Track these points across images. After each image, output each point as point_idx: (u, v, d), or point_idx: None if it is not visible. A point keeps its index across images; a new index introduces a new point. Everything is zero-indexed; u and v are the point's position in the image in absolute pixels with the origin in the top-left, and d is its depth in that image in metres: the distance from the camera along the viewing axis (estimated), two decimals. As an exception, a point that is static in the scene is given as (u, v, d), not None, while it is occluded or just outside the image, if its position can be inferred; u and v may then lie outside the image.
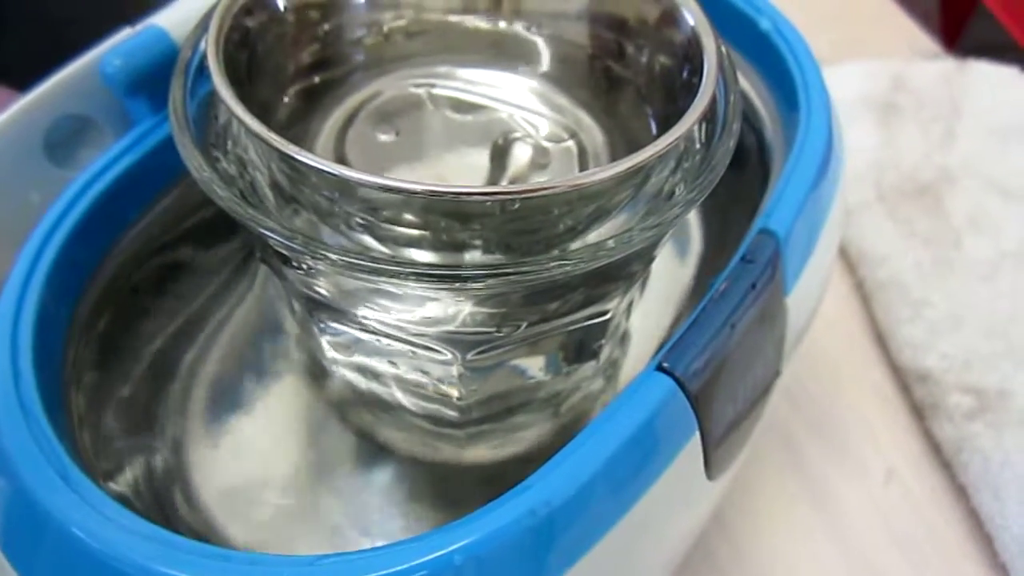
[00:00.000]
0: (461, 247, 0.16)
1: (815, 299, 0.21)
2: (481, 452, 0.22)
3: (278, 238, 0.14)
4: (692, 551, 0.27)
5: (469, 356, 0.18)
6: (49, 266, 0.18)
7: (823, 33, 0.50)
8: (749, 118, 0.24)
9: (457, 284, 0.14)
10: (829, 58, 0.43)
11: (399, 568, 0.14)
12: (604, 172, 0.15)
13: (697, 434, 0.17)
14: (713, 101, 0.18)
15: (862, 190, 0.37)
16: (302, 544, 0.18)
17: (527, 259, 0.15)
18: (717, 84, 0.18)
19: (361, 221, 0.16)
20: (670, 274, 0.25)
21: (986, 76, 0.40)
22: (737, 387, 0.18)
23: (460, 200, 0.14)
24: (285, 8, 0.19)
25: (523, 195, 0.15)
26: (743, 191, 0.24)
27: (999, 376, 0.30)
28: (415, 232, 0.16)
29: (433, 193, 0.14)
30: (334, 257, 0.14)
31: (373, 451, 0.20)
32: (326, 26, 0.19)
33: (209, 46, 0.15)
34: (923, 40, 0.48)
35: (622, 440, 0.15)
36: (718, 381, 0.17)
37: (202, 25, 0.16)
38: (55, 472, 0.14)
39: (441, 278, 0.14)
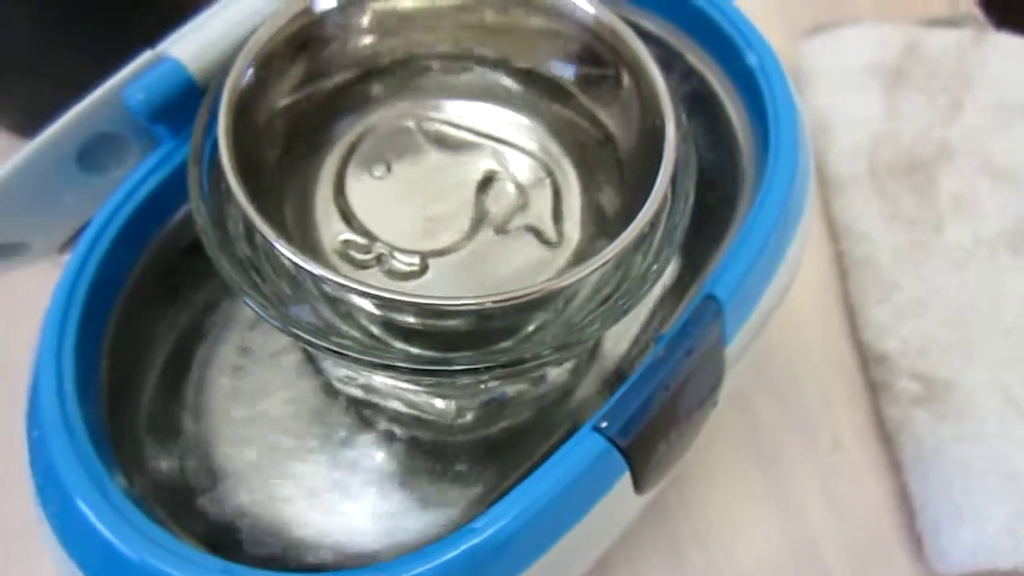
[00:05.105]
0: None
1: (756, 337, 0.24)
2: (471, 435, 0.25)
3: (301, 334, 0.17)
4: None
5: (461, 402, 0.21)
6: (88, 283, 0.21)
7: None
8: (729, 143, 0.26)
9: (447, 379, 0.17)
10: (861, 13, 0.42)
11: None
12: (578, 273, 0.18)
13: (628, 473, 0.20)
14: (673, 180, 0.20)
15: (856, 162, 0.38)
16: (312, 528, 0.22)
17: (509, 356, 0.18)
18: (675, 167, 0.19)
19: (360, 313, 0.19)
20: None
21: (1004, 49, 0.40)
22: (670, 428, 0.21)
23: (447, 308, 0.17)
24: (276, 58, 0.20)
25: (505, 302, 0.17)
26: (719, 202, 0.26)
27: (949, 368, 0.33)
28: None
29: (426, 306, 0.17)
30: (339, 352, 0.17)
31: (378, 439, 0.24)
32: (314, 78, 0.21)
33: (221, 145, 0.17)
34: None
35: (558, 491, 0.18)
36: (651, 431, 0.20)
37: (209, 103, 0.18)
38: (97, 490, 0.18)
39: (432, 373, 0.17)
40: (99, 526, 0.18)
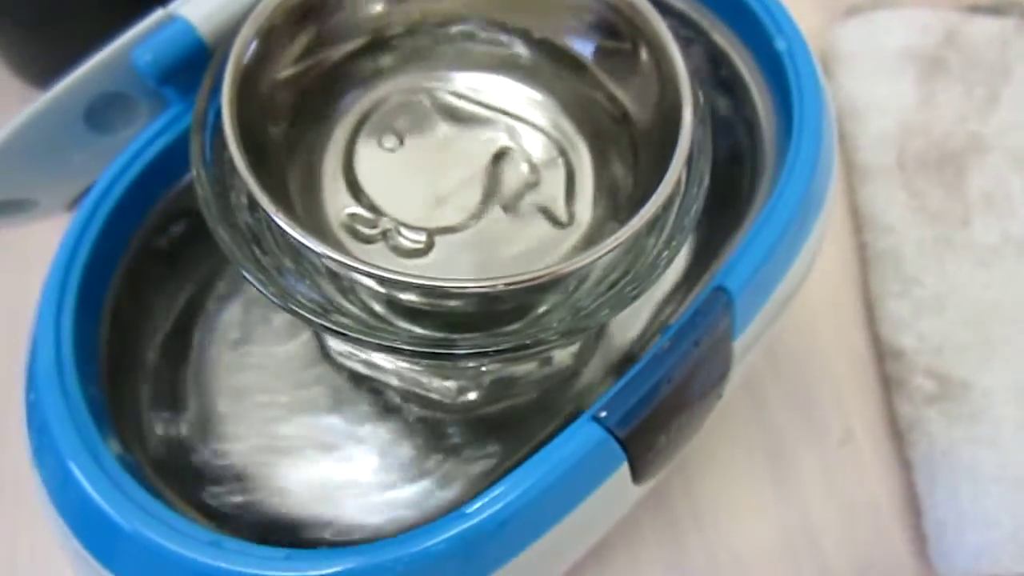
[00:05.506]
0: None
1: (767, 330, 0.23)
2: (473, 414, 0.25)
3: (300, 311, 0.17)
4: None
5: (462, 382, 0.21)
6: (91, 244, 0.21)
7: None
8: (750, 127, 0.25)
9: (450, 363, 0.17)
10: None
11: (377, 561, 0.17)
12: (591, 256, 0.17)
13: (626, 463, 0.20)
14: (689, 159, 0.19)
15: (885, 151, 0.37)
16: (309, 504, 0.22)
17: (513, 341, 0.17)
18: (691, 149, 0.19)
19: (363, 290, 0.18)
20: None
21: (1047, 39, 0.38)
22: (672, 420, 0.20)
23: (454, 290, 0.17)
24: (283, 26, 0.20)
25: (515, 285, 0.17)
26: (736, 188, 0.25)
27: (965, 368, 0.32)
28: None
29: (432, 287, 0.16)
30: (340, 331, 0.17)
31: (379, 415, 0.23)
32: (325, 43, 0.20)
33: (225, 115, 0.17)
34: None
35: (553, 479, 0.18)
36: (651, 422, 0.19)
37: (214, 71, 0.18)
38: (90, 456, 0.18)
39: (435, 356, 0.17)
40: (90, 490, 0.18)
